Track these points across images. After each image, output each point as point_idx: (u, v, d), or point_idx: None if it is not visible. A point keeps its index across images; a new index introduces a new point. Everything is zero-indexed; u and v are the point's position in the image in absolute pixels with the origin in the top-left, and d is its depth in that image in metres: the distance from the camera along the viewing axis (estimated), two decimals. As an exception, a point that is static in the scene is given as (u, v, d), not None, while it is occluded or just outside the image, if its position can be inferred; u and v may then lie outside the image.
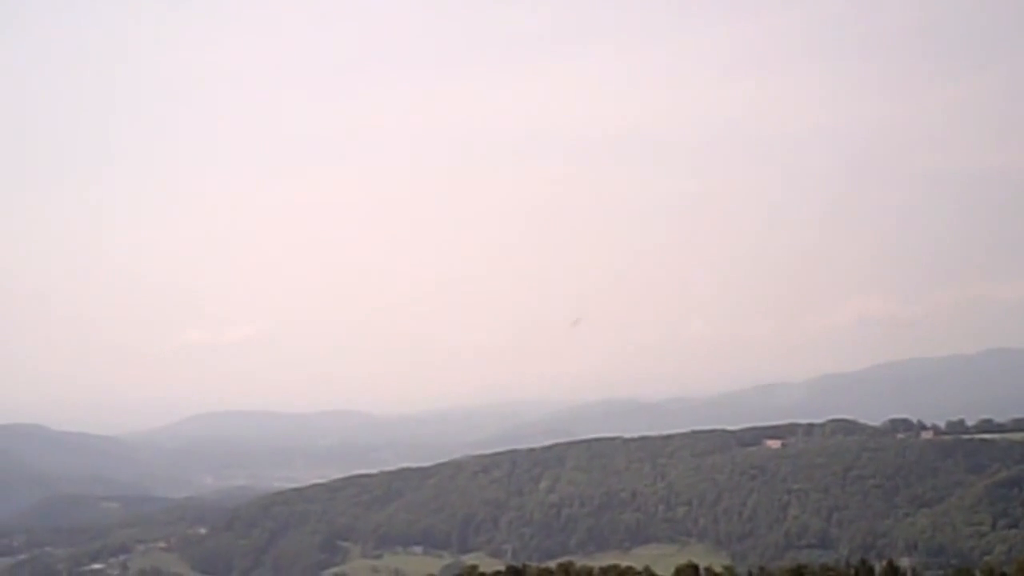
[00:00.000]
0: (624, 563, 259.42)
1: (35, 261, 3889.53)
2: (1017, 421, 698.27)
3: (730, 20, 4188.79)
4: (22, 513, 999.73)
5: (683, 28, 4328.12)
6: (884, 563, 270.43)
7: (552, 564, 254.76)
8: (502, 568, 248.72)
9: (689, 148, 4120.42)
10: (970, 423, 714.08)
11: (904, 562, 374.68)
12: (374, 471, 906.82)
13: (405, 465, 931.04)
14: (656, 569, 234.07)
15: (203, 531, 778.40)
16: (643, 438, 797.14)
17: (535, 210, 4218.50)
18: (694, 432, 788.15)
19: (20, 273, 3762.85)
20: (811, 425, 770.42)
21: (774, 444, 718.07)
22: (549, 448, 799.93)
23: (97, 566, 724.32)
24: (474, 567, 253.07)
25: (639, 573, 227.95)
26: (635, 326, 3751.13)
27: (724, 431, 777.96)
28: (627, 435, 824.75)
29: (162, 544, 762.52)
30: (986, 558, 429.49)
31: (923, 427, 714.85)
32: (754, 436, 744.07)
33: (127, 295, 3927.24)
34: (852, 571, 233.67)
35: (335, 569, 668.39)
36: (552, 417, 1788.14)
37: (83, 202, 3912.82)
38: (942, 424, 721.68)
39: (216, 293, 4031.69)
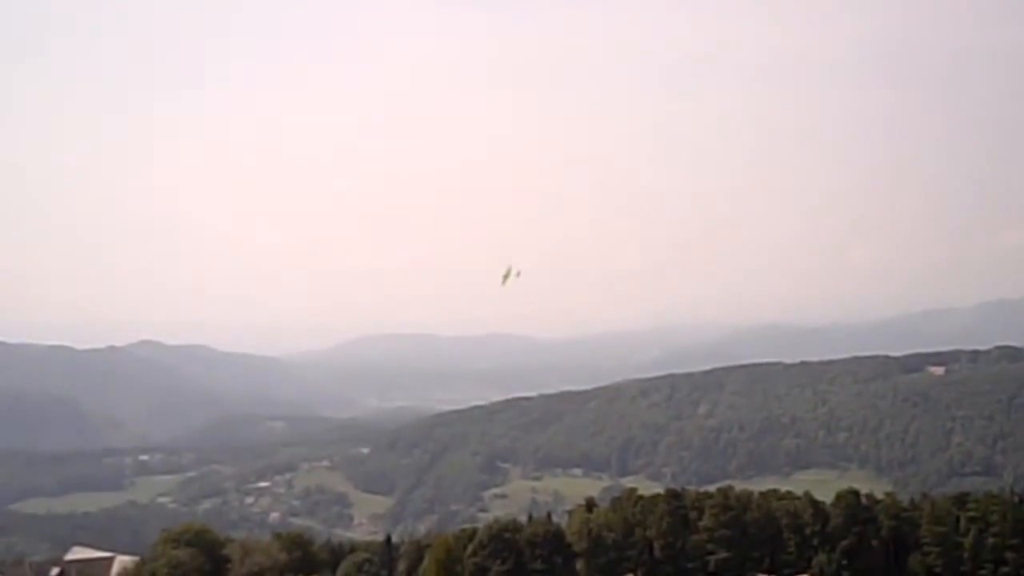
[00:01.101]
0: (784, 488, 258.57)
1: (205, 188, 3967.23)
2: None
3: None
4: (191, 432, 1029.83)
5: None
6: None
7: (711, 488, 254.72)
8: (661, 491, 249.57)
9: (871, 70, 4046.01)
10: None
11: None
12: (534, 394, 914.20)
13: (565, 388, 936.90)
14: (816, 495, 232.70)
15: (366, 451, 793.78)
16: (804, 363, 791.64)
17: (698, 136, 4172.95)
18: (856, 358, 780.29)
19: (190, 199, 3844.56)
20: (976, 352, 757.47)
21: (938, 371, 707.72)
22: (708, 372, 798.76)
23: (263, 484, 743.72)
24: (633, 490, 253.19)
25: (799, 498, 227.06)
26: (797, 250, 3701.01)
27: (887, 357, 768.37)
28: (787, 360, 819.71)
29: (326, 463, 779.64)
30: None
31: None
32: (918, 362, 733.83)
33: (296, 219, 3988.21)
34: (1016, 499, 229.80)
35: (496, 490, 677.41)
36: (711, 341, 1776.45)
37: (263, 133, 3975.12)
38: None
39: (380, 217, 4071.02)
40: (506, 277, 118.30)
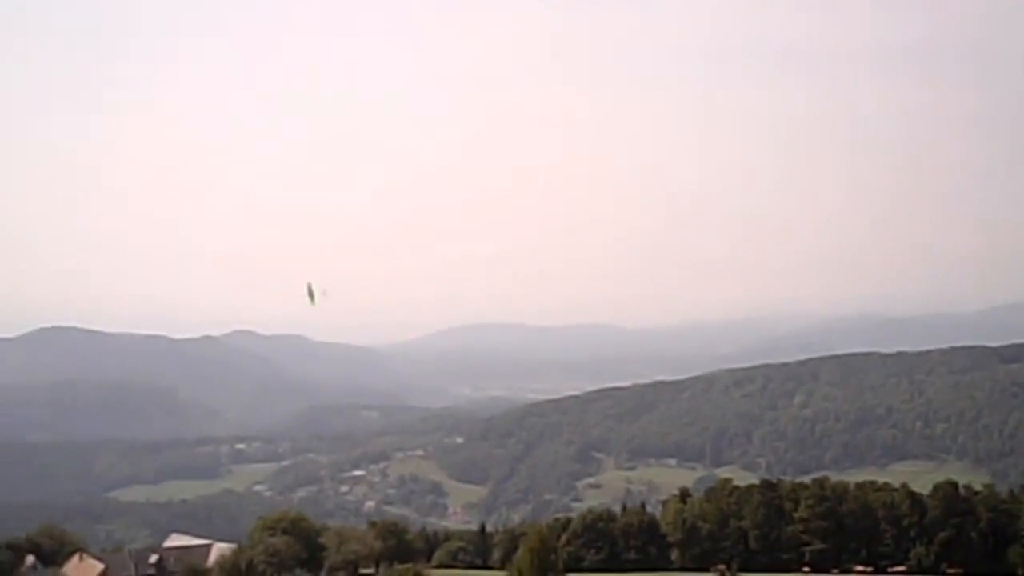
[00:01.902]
0: (880, 480, 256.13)
1: (305, 178, 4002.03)
2: None
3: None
4: (286, 421, 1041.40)
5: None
6: None
7: (806, 479, 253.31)
8: (756, 482, 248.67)
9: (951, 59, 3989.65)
10: None
11: None
12: (627, 384, 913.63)
13: (658, 378, 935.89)
14: (913, 486, 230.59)
15: (459, 440, 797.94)
16: (899, 354, 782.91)
17: (788, 125, 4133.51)
18: (953, 348, 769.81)
19: (288, 189, 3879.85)
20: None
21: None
22: (803, 363, 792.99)
23: (358, 472, 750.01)
24: (727, 480, 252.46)
25: (896, 490, 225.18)
26: (889, 239, 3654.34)
27: (985, 348, 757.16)
28: (883, 351, 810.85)
29: (420, 452, 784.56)
30: None
31: None
32: (1017, 352, 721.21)
33: (388, 211, 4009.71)
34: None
35: (589, 479, 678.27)
36: (805, 331, 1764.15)
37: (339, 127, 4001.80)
38: None
39: (471, 207, 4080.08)
40: (311, 296, 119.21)
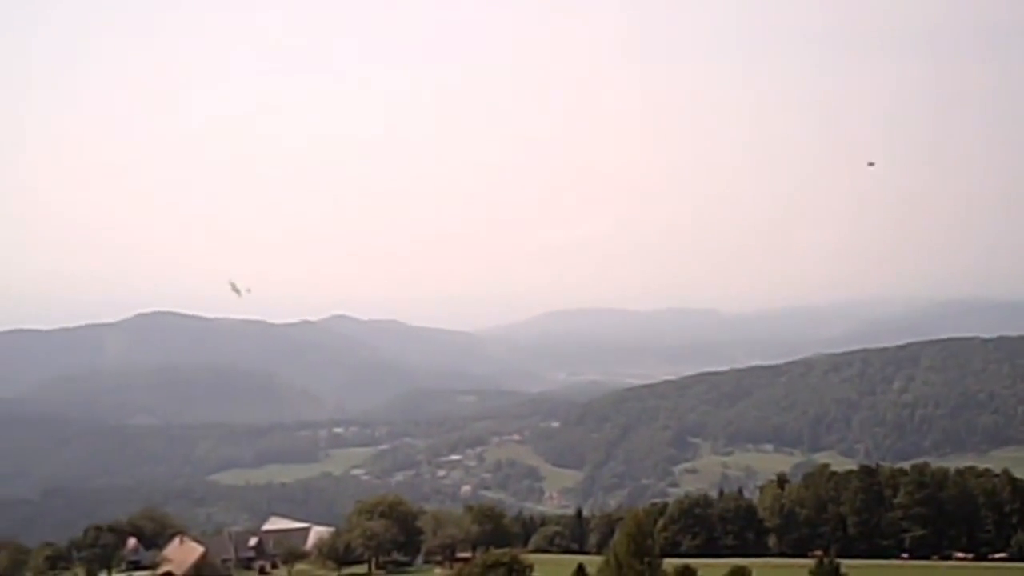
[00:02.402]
0: (981, 466, 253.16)
1: (398, 167, 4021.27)
2: None
3: None
4: (384, 405, 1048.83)
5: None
6: None
7: (906, 465, 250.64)
8: (854, 468, 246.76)
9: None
10: None
11: None
12: (723, 368, 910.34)
13: (755, 363, 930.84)
14: (1015, 472, 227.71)
15: (556, 425, 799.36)
16: (1001, 338, 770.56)
17: (891, 110, 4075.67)
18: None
19: (385, 177, 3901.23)
20: None
21: None
22: (902, 347, 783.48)
23: (455, 457, 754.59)
24: (826, 466, 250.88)
25: (997, 476, 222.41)
26: (989, 222, 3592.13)
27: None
28: (984, 335, 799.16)
29: (516, 437, 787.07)
30: None
31: None
32: None
33: (483, 196, 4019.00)
34: None
35: (686, 464, 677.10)
36: (904, 315, 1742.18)
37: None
38: None
39: (566, 192, 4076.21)
40: (236, 291, 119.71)
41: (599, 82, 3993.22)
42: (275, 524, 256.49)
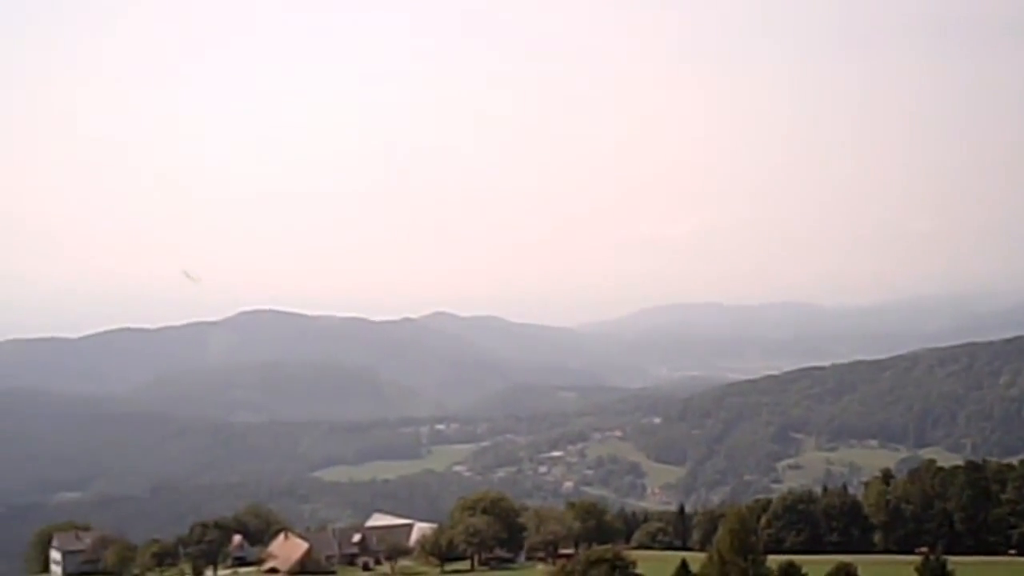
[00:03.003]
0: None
1: (495, 166, 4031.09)
2: None
3: None
4: (485, 401, 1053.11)
5: None
6: None
7: (1014, 461, 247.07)
8: (961, 463, 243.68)
9: None
10: None
11: None
12: (826, 363, 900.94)
13: (858, 358, 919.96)
14: None
15: (657, 420, 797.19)
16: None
17: (995, 97, 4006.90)
18: None
19: (482, 173, 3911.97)
20: None
21: None
22: (1010, 341, 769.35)
23: (556, 453, 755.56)
24: (932, 462, 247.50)
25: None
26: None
27: None
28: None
29: (618, 433, 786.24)
30: None
31: None
32: None
33: (568, 192, 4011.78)
34: None
35: (789, 460, 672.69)
36: (1011, 308, 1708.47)
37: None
38: None
39: (666, 185, 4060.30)
40: (190, 278, 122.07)
41: (700, 74, 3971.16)
42: (378, 520, 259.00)
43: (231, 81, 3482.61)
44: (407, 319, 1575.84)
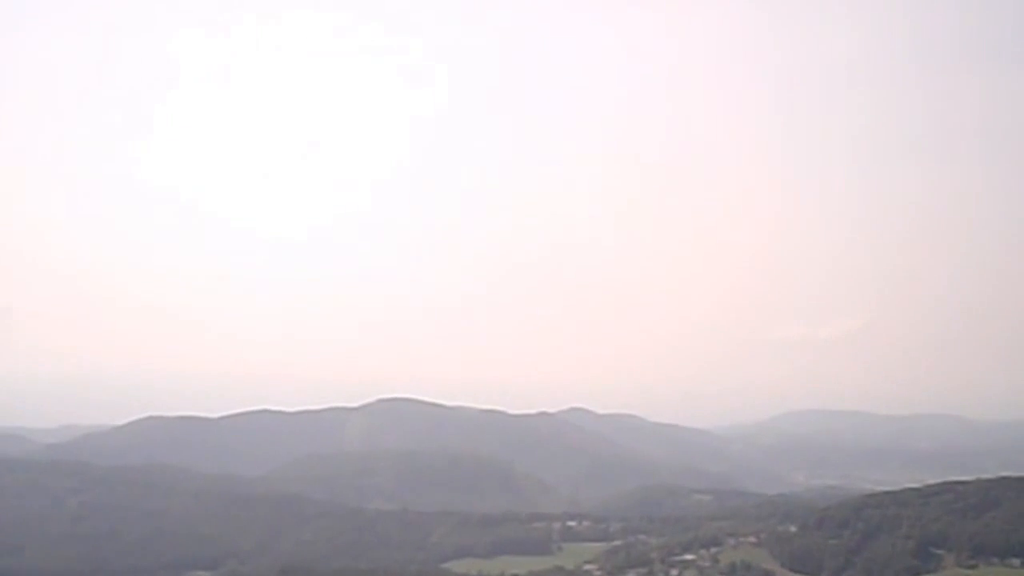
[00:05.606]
0: None
1: (623, 260, 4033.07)
2: None
3: None
4: (618, 499, 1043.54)
5: None
6: None
7: None
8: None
9: None
10: None
11: None
12: (970, 478, 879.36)
13: (1005, 473, 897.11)
14: None
15: (793, 528, 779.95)
16: None
17: None
18: None
19: (611, 273, 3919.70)
20: None
21: None
22: None
23: (688, 556, 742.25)
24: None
25: None
26: None
27: None
28: None
29: (752, 539, 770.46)
30: None
31: None
32: None
33: (709, 292, 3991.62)
34: None
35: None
36: None
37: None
38: None
39: (811, 287, 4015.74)
40: None
41: (853, 172, 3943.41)
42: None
43: (392, 184, 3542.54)
44: (544, 413, 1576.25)
